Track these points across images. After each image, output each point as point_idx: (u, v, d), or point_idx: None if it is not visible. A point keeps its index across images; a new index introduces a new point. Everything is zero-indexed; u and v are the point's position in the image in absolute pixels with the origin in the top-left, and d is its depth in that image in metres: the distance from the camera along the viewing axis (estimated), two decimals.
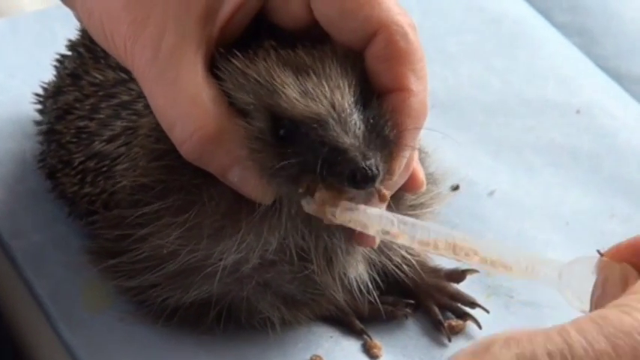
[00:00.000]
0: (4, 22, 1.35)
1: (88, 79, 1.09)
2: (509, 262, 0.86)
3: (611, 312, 0.70)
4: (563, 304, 1.04)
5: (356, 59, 0.93)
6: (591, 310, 0.78)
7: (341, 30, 0.93)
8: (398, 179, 0.94)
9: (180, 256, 0.98)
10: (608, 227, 1.17)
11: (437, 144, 1.06)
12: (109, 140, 1.03)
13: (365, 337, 1.06)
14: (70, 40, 1.15)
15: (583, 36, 1.40)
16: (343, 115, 0.90)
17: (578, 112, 1.29)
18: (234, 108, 0.92)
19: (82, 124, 1.07)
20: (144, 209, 0.97)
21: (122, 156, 1.01)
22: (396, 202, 0.97)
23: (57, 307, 1.06)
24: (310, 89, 0.90)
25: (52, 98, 1.13)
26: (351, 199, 0.91)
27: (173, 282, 1.00)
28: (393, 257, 1.04)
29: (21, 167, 1.19)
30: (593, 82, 1.34)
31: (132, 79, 1.03)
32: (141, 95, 0.99)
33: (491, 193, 1.20)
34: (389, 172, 0.91)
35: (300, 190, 0.91)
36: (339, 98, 0.90)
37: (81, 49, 1.12)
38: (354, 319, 1.06)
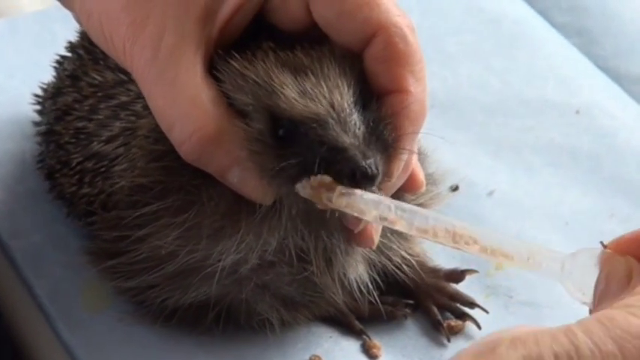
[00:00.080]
0: (4, 22, 1.35)
1: (87, 81, 1.09)
2: (510, 252, 0.83)
3: (618, 313, 0.69)
4: (562, 304, 1.05)
5: (354, 60, 0.92)
6: (594, 302, 0.78)
7: (340, 31, 0.92)
8: (396, 181, 0.93)
9: (179, 257, 0.98)
10: (607, 227, 1.17)
11: (436, 144, 1.06)
12: (108, 141, 1.03)
13: (364, 337, 1.06)
14: (69, 42, 1.15)
15: (582, 36, 1.40)
16: (343, 115, 0.89)
17: (577, 112, 1.29)
18: (234, 109, 0.92)
19: (80, 124, 1.07)
20: (142, 210, 0.97)
21: (120, 157, 1.01)
22: None
23: (56, 307, 1.07)
24: (309, 89, 0.90)
25: (51, 99, 1.13)
26: None
27: (172, 283, 1.00)
28: (393, 257, 1.03)
29: (20, 168, 1.19)
30: (592, 82, 1.33)
31: (131, 81, 1.03)
32: (140, 96, 0.99)
33: (490, 194, 1.20)
34: (387, 174, 0.91)
35: None
36: (339, 98, 0.90)
37: (80, 51, 1.12)
38: (353, 320, 1.06)
